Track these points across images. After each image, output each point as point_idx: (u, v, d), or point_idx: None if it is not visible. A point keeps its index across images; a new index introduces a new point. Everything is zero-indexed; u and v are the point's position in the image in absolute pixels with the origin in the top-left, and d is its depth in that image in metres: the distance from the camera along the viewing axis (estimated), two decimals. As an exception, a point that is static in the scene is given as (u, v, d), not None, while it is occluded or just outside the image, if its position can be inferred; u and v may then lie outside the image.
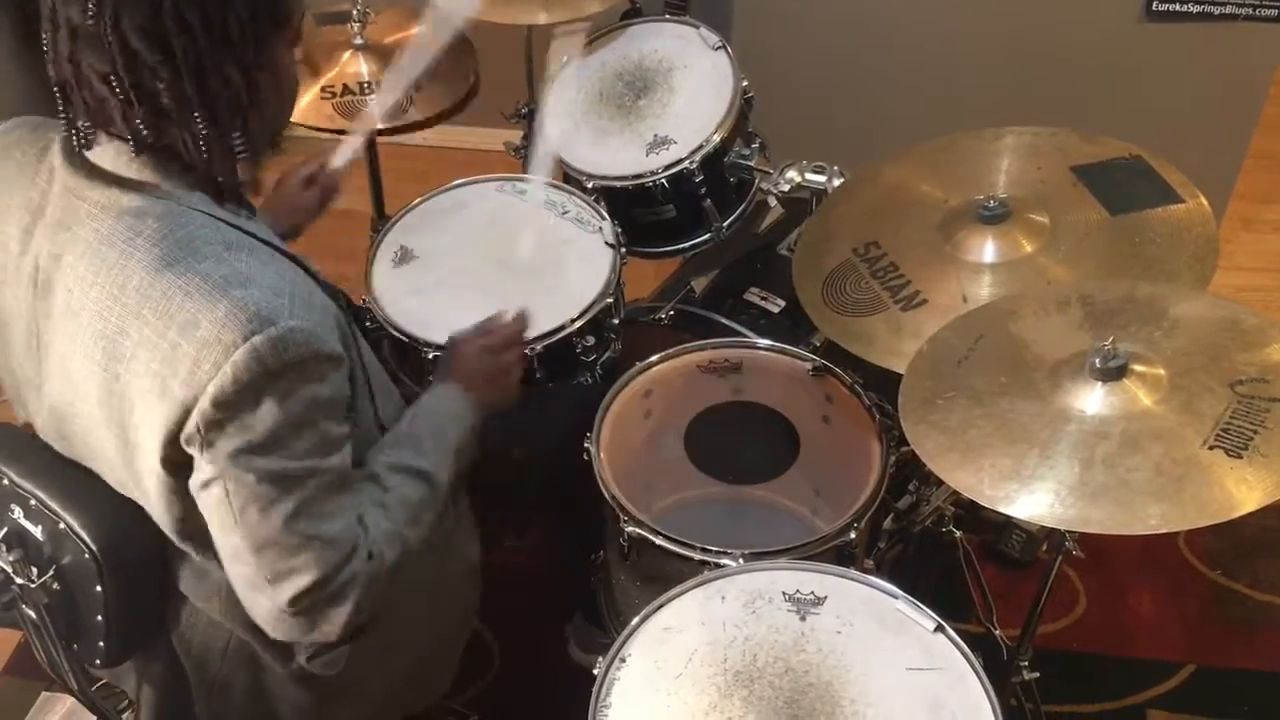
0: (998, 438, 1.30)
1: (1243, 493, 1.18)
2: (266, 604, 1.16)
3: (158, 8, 1.03)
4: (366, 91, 2.06)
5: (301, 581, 1.14)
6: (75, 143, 1.13)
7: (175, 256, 1.08)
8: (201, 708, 1.40)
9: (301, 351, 1.07)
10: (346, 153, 1.80)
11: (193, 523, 1.18)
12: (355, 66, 2.09)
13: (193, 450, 1.10)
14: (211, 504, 1.12)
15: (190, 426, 1.08)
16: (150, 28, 1.04)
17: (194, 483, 1.12)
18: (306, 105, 2.05)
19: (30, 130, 1.22)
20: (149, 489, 1.17)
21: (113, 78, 1.06)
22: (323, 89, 2.06)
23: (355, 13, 2.09)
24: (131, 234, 1.10)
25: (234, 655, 1.36)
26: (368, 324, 1.85)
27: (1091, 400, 1.31)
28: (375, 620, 1.24)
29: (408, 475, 1.29)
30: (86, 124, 1.12)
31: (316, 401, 1.11)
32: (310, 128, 2.10)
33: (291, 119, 1.25)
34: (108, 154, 1.12)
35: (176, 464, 1.13)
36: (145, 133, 1.10)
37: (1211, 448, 1.21)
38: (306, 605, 1.15)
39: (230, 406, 1.06)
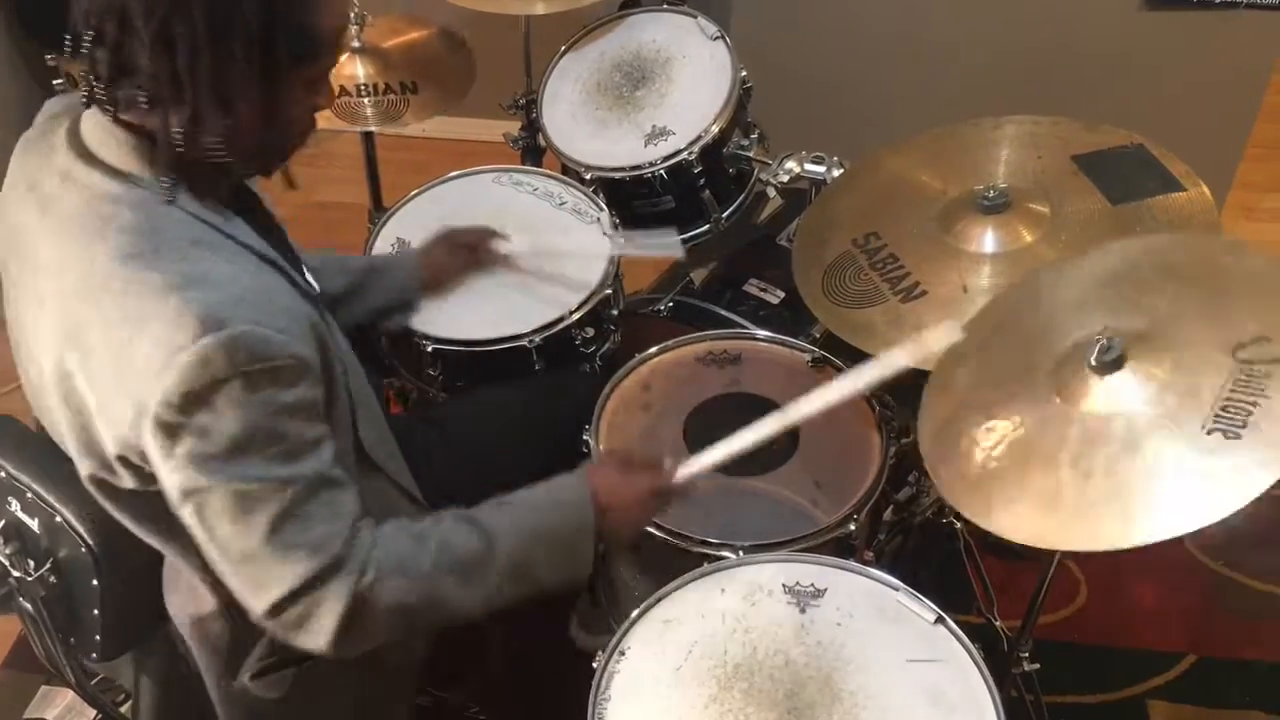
0: (1019, 469, 1.26)
1: (1243, 484, 1.17)
2: (253, 609, 1.14)
3: None
4: (364, 94, 2.05)
5: (278, 591, 1.11)
6: (75, 123, 1.12)
7: (139, 249, 1.06)
8: (214, 691, 1.38)
9: (254, 356, 1.04)
10: (518, 246, 1.77)
11: (146, 517, 1.19)
12: (353, 69, 2.09)
13: (153, 452, 1.07)
14: (185, 514, 1.10)
15: (146, 427, 1.05)
16: (154, 6, 1.01)
17: (167, 490, 1.10)
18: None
19: (60, 109, 1.21)
20: (89, 478, 1.17)
21: (103, 43, 1.04)
22: None
23: (353, 15, 2.09)
24: (102, 221, 1.08)
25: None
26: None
27: (1098, 395, 1.28)
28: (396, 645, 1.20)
29: (470, 525, 1.24)
30: (92, 85, 1.09)
31: (278, 406, 1.07)
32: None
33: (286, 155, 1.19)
34: (99, 136, 1.11)
35: (131, 461, 1.11)
36: (126, 105, 1.08)
37: (1210, 431, 1.19)
38: (287, 614, 1.13)
39: (183, 411, 1.04)
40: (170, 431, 1.05)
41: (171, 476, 1.08)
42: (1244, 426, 1.17)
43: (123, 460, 1.12)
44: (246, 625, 1.25)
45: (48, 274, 1.12)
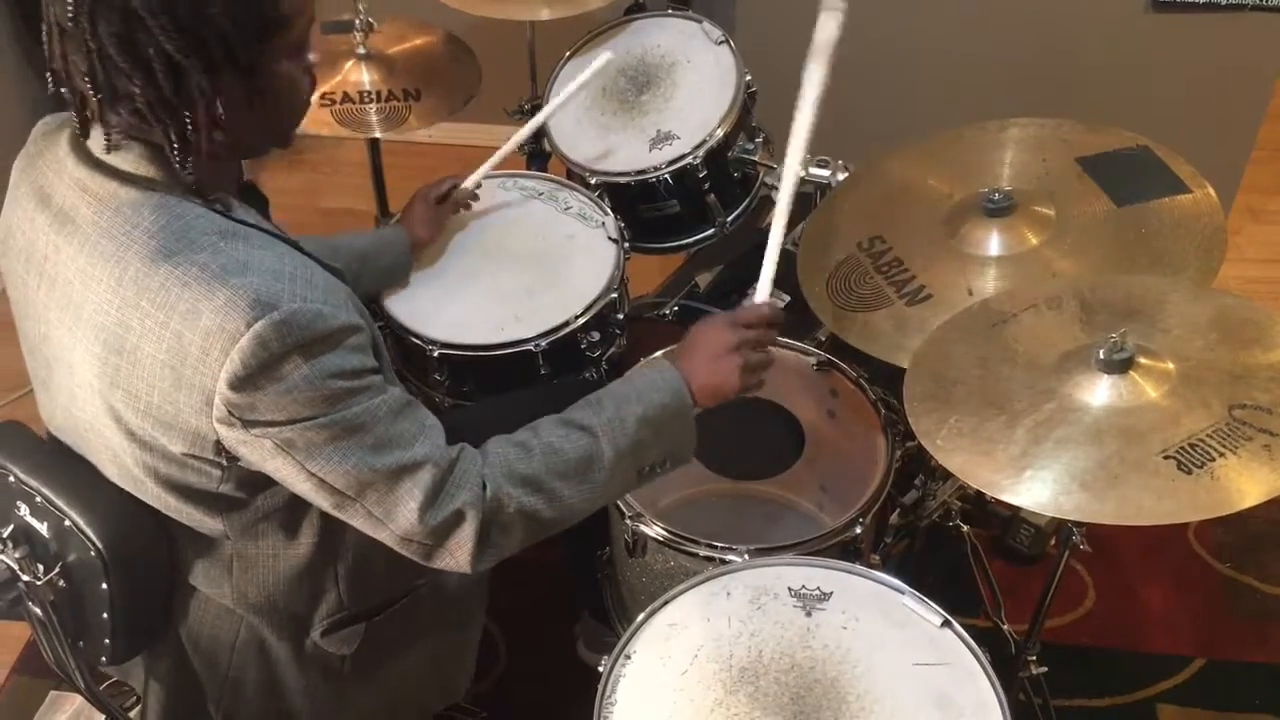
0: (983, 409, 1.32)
1: (1248, 486, 1.17)
2: (389, 539, 1.19)
3: (130, 16, 1.03)
4: (367, 100, 2.06)
5: (410, 508, 1.16)
6: (78, 134, 1.15)
7: (171, 248, 1.09)
8: (215, 705, 1.40)
9: (308, 331, 1.08)
10: (478, 175, 1.90)
11: (205, 505, 1.22)
12: (358, 75, 2.09)
13: (234, 432, 1.11)
14: (288, 476, 1.15)
15: (219, 411, 1.09)
16: (123, 34, 1.03)
17: (257, 463, 1.14)
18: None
19: (56, 125, 1.22)
20: (149, 479, 1.19)
21: (88, 77, 1.07)
22: (323, 96, 2.06)
23: (358, 22, 2.09)
24: (129, 226, 1.10)
25: (244, 649, 1.36)
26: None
27: (1098, 392, 1.30)
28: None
29: (570, 428, 1.28)
30: (84, 116, 1.13)
31: (340, 370, 1.11)
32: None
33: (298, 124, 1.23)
34: (105, 147, 1.13)
35: (199, 455, 1.15)
36: (124, 130, 1.11)
37: (1166, 457, 1.21)
38: (426, 528, 1.17)
39: (251, 390, 1.07)
40: (243, 410, 1.08)
41: (259, 446, 1.11)
42: (1200, 467, 1.20)
43: (190, 457, 1.15)
44: (315, 581, 1.32)
45: (76, 285, 1.14)
